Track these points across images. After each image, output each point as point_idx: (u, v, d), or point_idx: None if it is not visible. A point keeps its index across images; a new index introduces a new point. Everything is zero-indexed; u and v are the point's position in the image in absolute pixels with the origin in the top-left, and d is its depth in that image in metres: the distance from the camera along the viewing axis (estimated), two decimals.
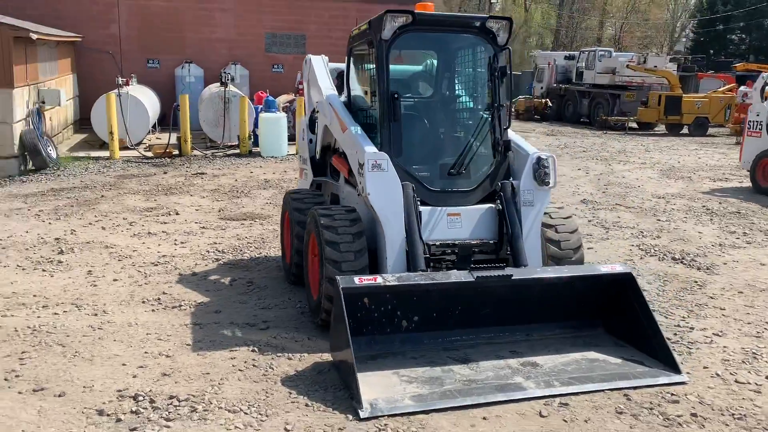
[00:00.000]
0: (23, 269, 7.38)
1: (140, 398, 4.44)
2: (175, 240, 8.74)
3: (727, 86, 27.37)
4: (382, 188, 5.45)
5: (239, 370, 4.95)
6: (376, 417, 4.24)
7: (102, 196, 11.47)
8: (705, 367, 5.18)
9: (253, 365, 5.03)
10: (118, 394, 4.53)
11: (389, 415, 4.27)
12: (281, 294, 6.74)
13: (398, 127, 5.75)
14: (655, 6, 54.22)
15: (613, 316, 5.59)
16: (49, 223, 9.50)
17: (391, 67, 5.92)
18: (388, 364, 4.97)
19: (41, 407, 4.34)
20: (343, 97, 6.73)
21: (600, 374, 4.90)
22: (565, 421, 4.31)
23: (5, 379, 4.74)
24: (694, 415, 4.42)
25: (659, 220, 10.41)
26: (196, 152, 16.26)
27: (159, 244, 8.53)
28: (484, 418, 4.31)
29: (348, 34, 6.72)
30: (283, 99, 18.47)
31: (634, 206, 11.42)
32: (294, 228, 6.58)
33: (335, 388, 4.67)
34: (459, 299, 5.31)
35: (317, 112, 7.30)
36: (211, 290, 6.83)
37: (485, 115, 6.05)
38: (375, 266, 5.59)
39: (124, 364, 5.01)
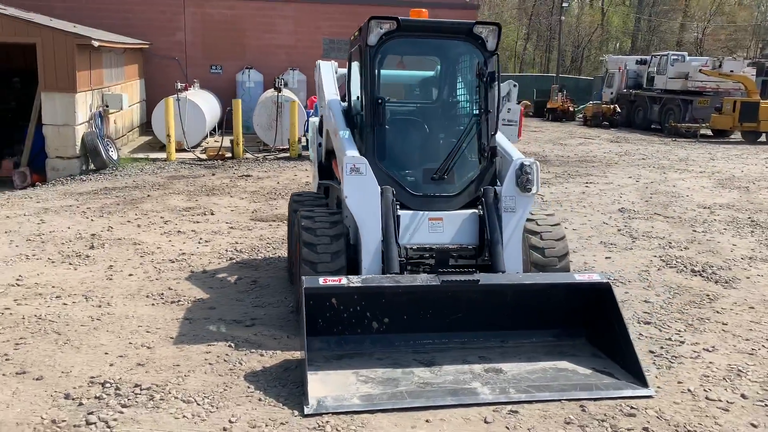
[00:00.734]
0: (52, 262, 7.90)
1: (107, 385, 4.72)
2: (200, 239, 9.10)
3: None
4: (359, 192, 5.54)
5: (209, 363, 5.16)
6: (320, 414, 4.35)
7: (148, 195, 12.05)
8: (679, 382, 5.01)
9: (225, 360, 5.23)
10: (90, 380, 4.82)
11: (334, 413, 4.37)
12: (279, 293, 6.93)
13: (382, 131, 5.84)
14: (742, 8, 51.64)
15: (595, 327, 5.48)
16: (92, 220, 10.08)
17: (391, 72, 6.01)
18: (352, 363, 5.06)
19: (17, 389, 4.68)
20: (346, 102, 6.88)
21: (561, 384, 4.82)
22: (508, 428, 4.29)
23: None
24: (645, 429, 4.30)
25: (695, 231, 10.00)
26: (248, 155, 16.80)
27: (184, 242, 8.91)
28: (428, 421, 4.35)
29: None
30: None
31: (674, 216, 11.01)
32: (291, 229, 6.76)
33: (294, 385, 4.80)
34: (429, 303, 5.34)
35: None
36: (215, 287, 7.10)
37: (473, 121, 6.05)
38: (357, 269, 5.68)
39: (106, 353, 5.31)
